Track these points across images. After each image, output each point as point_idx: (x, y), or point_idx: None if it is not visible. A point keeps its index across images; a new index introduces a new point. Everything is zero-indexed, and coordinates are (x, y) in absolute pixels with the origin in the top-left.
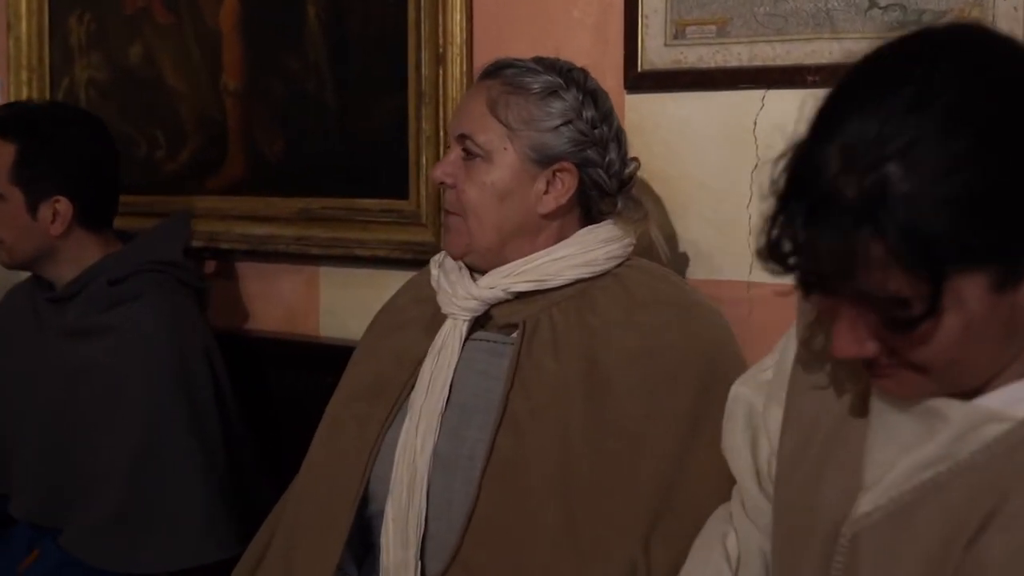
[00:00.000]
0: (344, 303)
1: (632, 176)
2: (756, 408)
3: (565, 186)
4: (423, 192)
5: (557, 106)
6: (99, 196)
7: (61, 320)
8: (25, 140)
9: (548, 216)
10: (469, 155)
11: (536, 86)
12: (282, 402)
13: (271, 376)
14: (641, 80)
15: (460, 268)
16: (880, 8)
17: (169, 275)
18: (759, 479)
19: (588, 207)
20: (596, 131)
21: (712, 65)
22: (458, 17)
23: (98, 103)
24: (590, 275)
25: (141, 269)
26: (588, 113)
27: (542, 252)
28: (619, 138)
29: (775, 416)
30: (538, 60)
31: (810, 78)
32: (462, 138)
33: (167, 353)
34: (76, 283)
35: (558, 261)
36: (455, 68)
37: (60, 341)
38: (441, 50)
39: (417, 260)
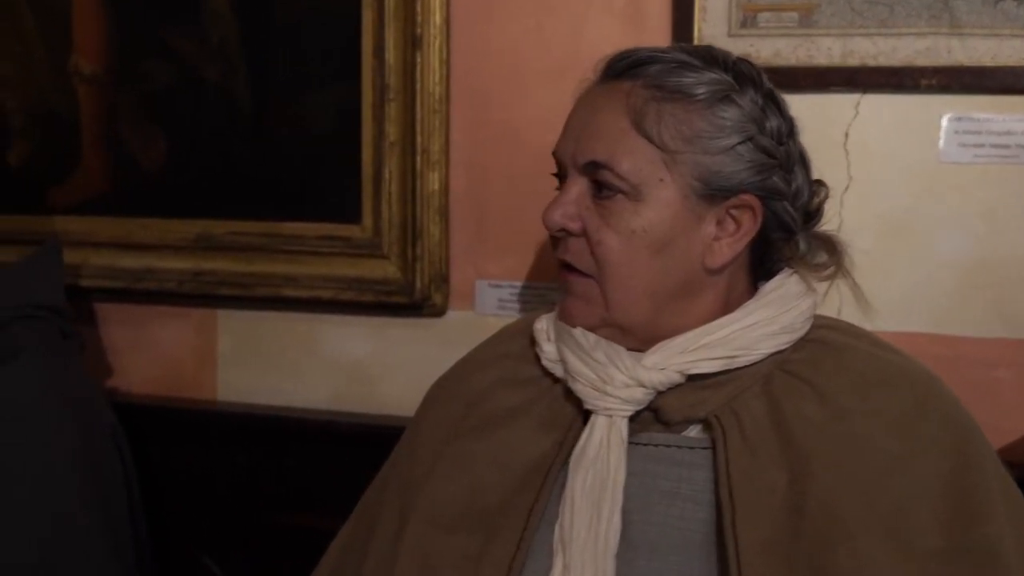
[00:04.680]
0: (252, 357)
1: (820, 208)
2: None
3: (743, 228)
4: (385, 215)
5: (731, 116)
6: None
7: None
8: None
9: (717, 270)
10: (604, 190)
11: (701, 89)
12: (165, 486)
13: (147, 453)
14: None
15: (603, 340)
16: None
17: (52, 324)
18: None
19: (763, 254)
20: (783, 148)
21: (793, 62)
22: None
23: None
24: (787, 345)
25: (16, 316)
26: (772, 123)
27: (727, 319)
28: (803, 156)
29: None
30: (684, 49)
31: (924, 82)
32: (594, 167)
33: (67, 434)
34: None
35: (751, 329)
36: (433, 55)
37: None
38: (419, 30)
39: (381, 303)
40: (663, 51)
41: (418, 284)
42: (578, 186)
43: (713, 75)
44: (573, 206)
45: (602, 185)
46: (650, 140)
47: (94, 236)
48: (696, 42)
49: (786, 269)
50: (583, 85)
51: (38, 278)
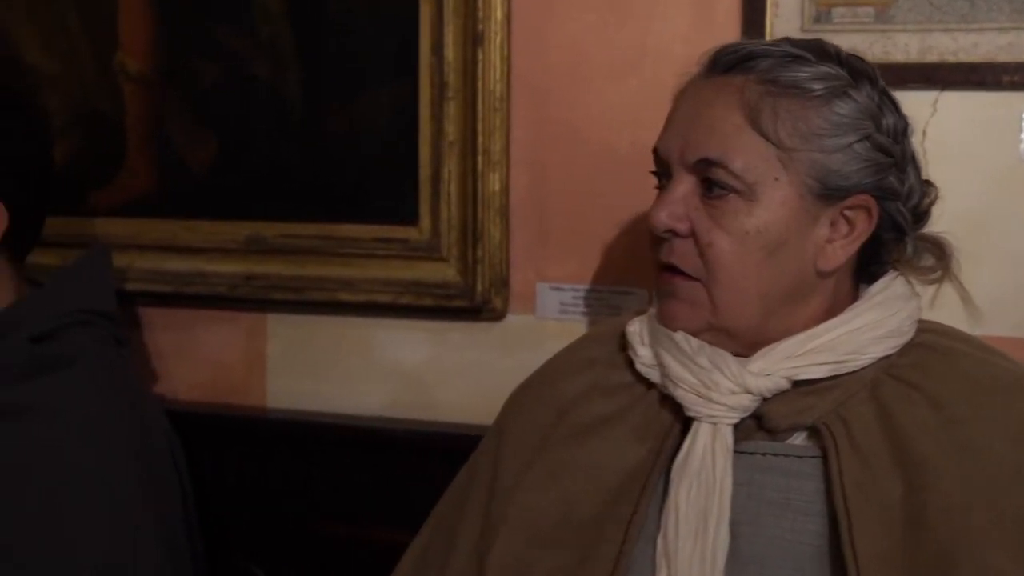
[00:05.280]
0: (303, 363)
1: (928, 209)
2: None
3: (857, 230)
4: (444, 216)
5: (848, 112)
6: (35, 209)
7: None
8: None
9: (828, 273)
10: (715, 189)
11: (817, 85)
12: (213, 493)
13: (194, 460)
14: None
15: (706, 345)
16: None
17: (105, 330)
18: None
19: (870, 256)
20: (898, 147)
21: (869, 59)
22: None
23: None
24: (894, 349)
25: (70, 321)
26: (888, 120)
27: (833, 322)
28: (914, 155)
29: None
30: (794, 43)
31: (1005, 78)
32: (705, 164)
33: (127, 443)
34: None
35: (858, 333)
36: (494, 51)
37: None
38: (480, 26)
39: (441, 308)
40: (773, 44)
41: (479, 288)
42: (685, 185)
43: (827, 69)
44: (680, 206)
45: (713, 183)
46: (766, 137)
47: (139, 239)
48: (768, 37)
49: (891, 271)
50: (683, 79)
51: (90, 283)
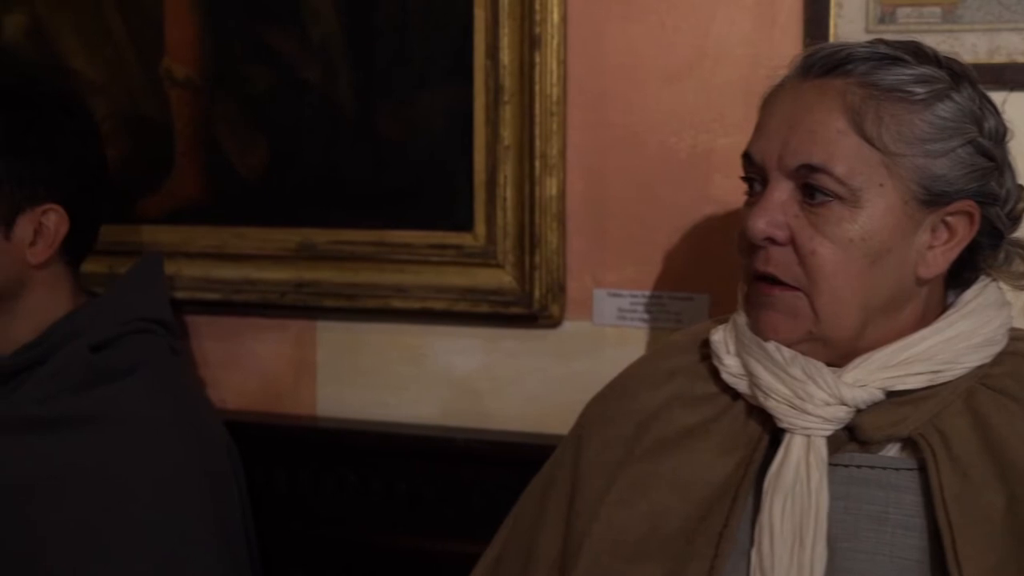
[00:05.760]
0: (353, 370)
1: (1022, 214)
2: None
3: (958, 236)
4: (500, 222)
5: (950, 115)
6: (92, 214)
7: (3, 403)
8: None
9: (927, 281)
10: (817, 195)
11: (919, 88)
12: (261, 504)
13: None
14: None
15: (799, 355)
16: None
17: (162, 338)
18: None
19: (965, 262)
20: (999, 150)
21: None
22: None
23: None
24: (989, 358)
25: (129, 330)
26: (990, 123)
27: (927, 331)
28: (1010, 158)
29: None
30: (888, 43)
31: None
32: (808, 170)
33: (185, 453)
34: (38, 347)
35: (953, 342)
36: (550, 55)
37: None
38: (537, 29)
39: (497, 314)
40: (867, 46)
41: (536, 294)
42: (782, 191)
43: (928, 71)
44: (779, 213)
45: (815, 190)
46: (870, 142)
47: (187, 246)
48: (831, 39)
49: (983, 277)
50: (771, 82)
51: (144, 291)
